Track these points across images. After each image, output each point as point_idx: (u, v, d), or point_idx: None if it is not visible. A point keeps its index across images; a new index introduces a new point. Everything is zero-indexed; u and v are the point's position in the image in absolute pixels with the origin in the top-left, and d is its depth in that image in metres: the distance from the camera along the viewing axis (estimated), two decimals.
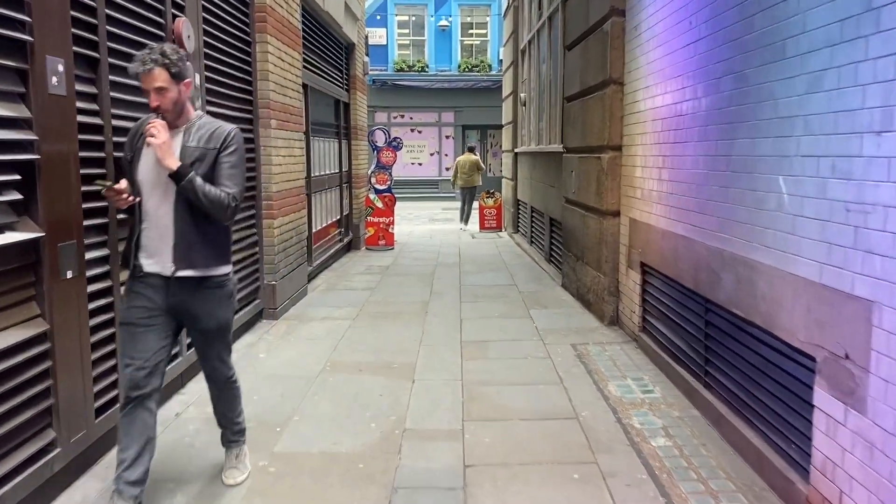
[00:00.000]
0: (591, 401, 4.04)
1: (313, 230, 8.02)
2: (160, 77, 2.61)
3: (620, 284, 5.57)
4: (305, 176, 7.64)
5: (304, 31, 7.60)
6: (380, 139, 12.01)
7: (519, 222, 12.24)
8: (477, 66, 21.92)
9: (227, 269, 2.89)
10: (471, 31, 22.54)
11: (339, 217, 9.88)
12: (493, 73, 21.75)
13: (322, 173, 8.65)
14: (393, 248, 10.93)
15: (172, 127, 2.73)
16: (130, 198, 2.69)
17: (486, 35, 22.40)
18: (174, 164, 2.61)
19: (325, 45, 8.86)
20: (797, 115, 2.77)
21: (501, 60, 22.00)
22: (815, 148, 2.65)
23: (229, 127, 2.82)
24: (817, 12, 2.64)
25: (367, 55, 11.57)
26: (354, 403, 4.03)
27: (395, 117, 22.22)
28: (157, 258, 2.73)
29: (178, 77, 2.67)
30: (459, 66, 21.95)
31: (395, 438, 3.55)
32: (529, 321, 5.94)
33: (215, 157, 2.74)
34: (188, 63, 2.75)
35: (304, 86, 7.66)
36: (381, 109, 21.91)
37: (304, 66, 7.61)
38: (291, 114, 6.46)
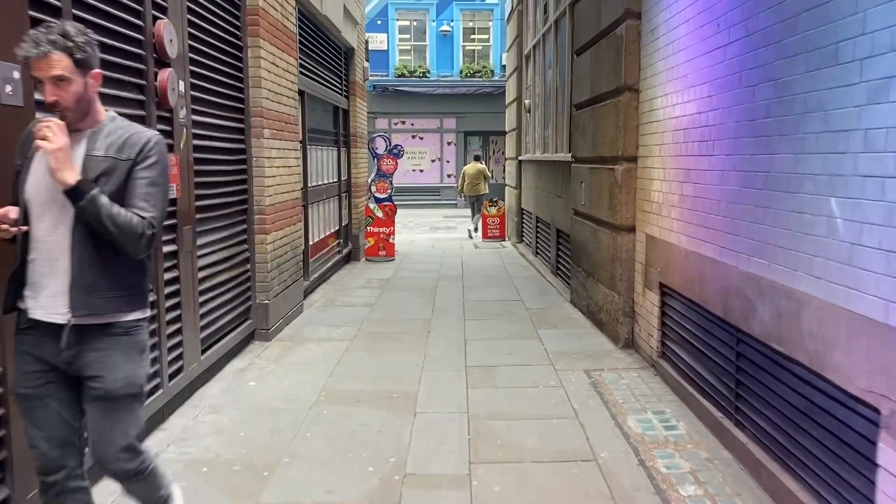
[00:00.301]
0: (609, 439, 3.69)
1: (310, 242, 7.68)
2: (60, 64, 2.04)
3: (636, 305, 5.22)
4: (302, 187, 7.31)
5: (300, 35, 7.28)
6: (380, 147, 11.68)
7: (523, 232, 11.90)
8: (479, 71, 21.62)
9: (140, 314, 2.28)
10: (473, 37, 22.24)
11: (337, 228, 9.54)
12: (496, 78, 21.44)
13: (320, 183, 8.31)
14: (394, 259, 10.59)
15: (74, 130, 2.13)
16: (14, 228, 2.11)
17: (488, 40, 22.11)
18: (72, 177, 2.03)
19: (323, 50, 8.54)
20: (855, 129, 2.42)
21: (504, 66, 21.72)
22: (878, 167, 2.30)
23: (149, 133, 2.23)
24: (881, 11, 2.30)
25: (367, 60, 11.26)
26: (351, 442, 3.68)
27: (396, 123, 21.92)
28: (48, 300, 2.14)
29: (83, 65, 2.10)
30: (461, 72, 21.65)
31: (395, 486, 3.19)
32: (538, 343, 5.59)
33: (128, 170, 2.15)
34: (96, 50, 2.18)
35: (301, 92, 7.33)
36: (381, 115, 21.61)
37: (301, 72, 7.28)
38: (286, 122, 6.12)
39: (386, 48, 21.33)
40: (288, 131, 6.18)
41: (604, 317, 5.76)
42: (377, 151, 11.70)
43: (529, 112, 11.20)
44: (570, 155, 7.54)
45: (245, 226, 5.42)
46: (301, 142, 7.33)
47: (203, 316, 4.50)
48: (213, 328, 4.70)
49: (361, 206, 10.76)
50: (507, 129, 13.46)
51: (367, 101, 21.00)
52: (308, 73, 7.65)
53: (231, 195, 5.09)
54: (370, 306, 7.07)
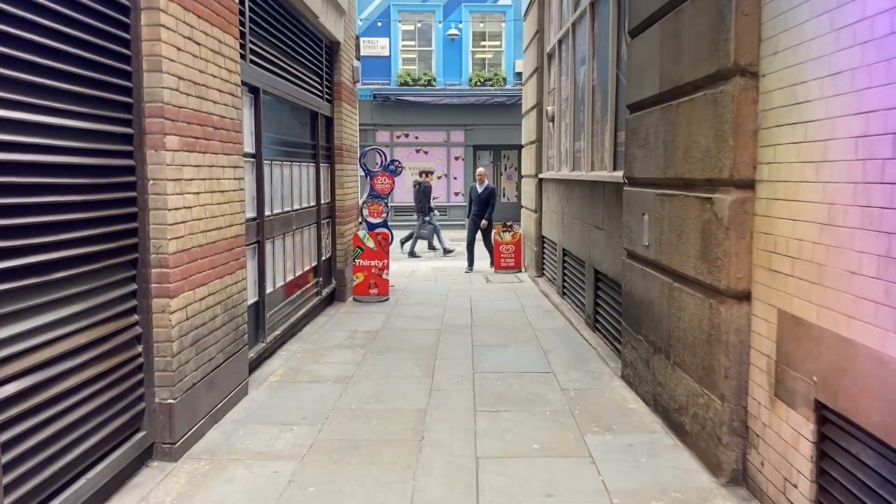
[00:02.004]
0: None
1: (267, 292, 5.73)
2: None
3: (754, 420, 3.23)
4: (252, 217, 5.37)
5: (252, 12, 5.38)
6: (373, 162, 9.79)
7: (544, 265, 9.92)
8: (490, 79, 19.74)
9: None
10: (483, 43, 20.40)
11: (315, 264, 7.60)
12: (509, 87, 19.57)
13: (286, 209, 6.38)
14: (387, 299, 8.63)
15: None
16: None
17: (499, 45, 20.25)
18: None
19: (294, 39, 6.64)
20: None
21: (518, 73, 19.87)
22: None
23: None
24: None
25: (357, 59, 9.37)
26: None
27: (398, 137, 20.04)
28: None
29: None
30: (470, 80, 19.78)
31: None
32: (590, 467, 3.60)
33: None
34: None
35: (254, 89, 5.42)
36: (382, 128, 19.74)
37: (252, 61, 5.37)
38: (217, 128, 4.20)
39: (387, 54, 19.51)
40: (220, 140, 4.25)
41: (688, 422, 3.77)
42: (369, 168, 9.81)
43: (553, 121, 9.27)
44: (618, 174, 5.58)
45: (132, 286, 3.48)
46: (252, 156, 5.40)
47: (23, 454, 2.57)
48: (49, 466, 2.75)
49: (349, 233, 8.82)
50: (523, 142, 11.54)
51: (368, 111, 19.19)
52: (267, 65, 5.75)
53: (92, 242, 3.16)
54: (344, 382, 5.11)
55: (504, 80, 19.73)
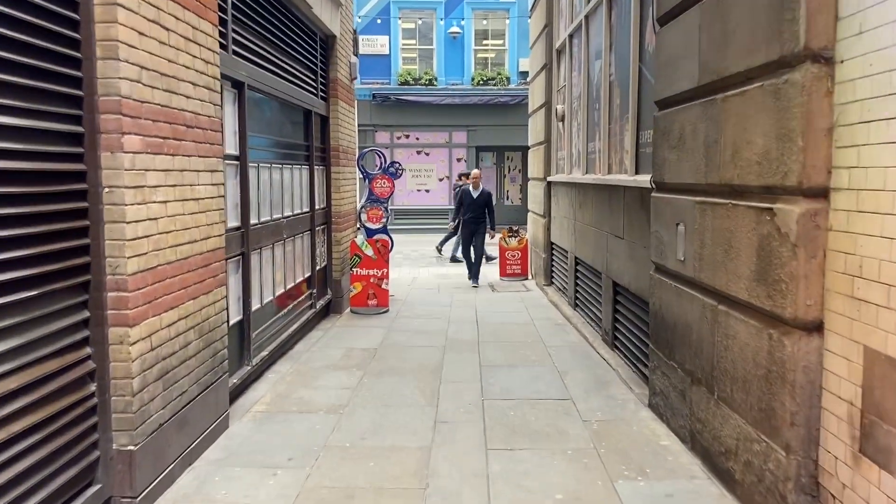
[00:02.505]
0: None
1: (252, 309, 5.17)
2: None
3: (830, 480, 2.68)
4: (236, 227, 4.82)
5: (242, 1, 4.85)
6: (372, 164, 9.26)
7: (553, 273, 9.37)
8: (493, 78, 19.20)
9: None
10: (486, 41, 19.86)
11: (308, 274, 7.05)
12: (512, 86, 19.04)
13: (274, 217, 5.83)
14: (387, 311, 8.08)
15: None
16: None
17: (503, 44, 19.71)
18: None
19: (286, 31, 6.10)
20: None
21: (523, 72, 19.35)
22: None
23: None
24: None
25: (355, 55, 8.83)
26: None
27: (398, 137, 19.49)
28: None
29: None
30: (473, 79, 19.24)
31: None
32: None
33: None
34: None
35: (238, 84, 4.88)
36: (382, 129, 19.20)
37: (235, 53, 4.82)
38: (189, 126, 3.65)
39: (387, 52, 18.98)
40: (194, 141, 3.71)
41: (738, 470, 3.21)
42: (368, 170, 9.27)
43: (563, 121, 8.72)
44: (642, 178, 5.04)
45: (83, 314, 2.94)
46: (235, 158, 4.85)
47: None
48: None
49: (346, 240, 8.27)
50: (530, 143, 10.99)
51: (368, 112, 18.64)
52: (253, 58, 5.20)
53: (32, 263, 2.62)
54: (338, 412, 4.55)
55: (508, 79, 19.19)
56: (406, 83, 18.95)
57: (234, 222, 4.79)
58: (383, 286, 8.12)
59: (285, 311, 6.14)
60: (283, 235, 6.02)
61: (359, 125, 19.07)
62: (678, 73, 3.99)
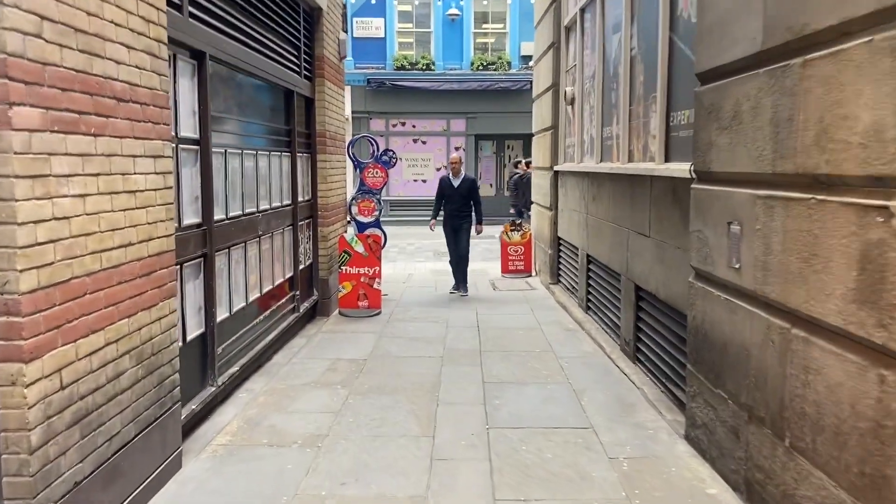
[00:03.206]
0: None
1: (219, 318, 4.42)
2: None
3: None
4: (195, 224, 4.06)
5: None
6: (364, 153, 8.50)
7: (561, 271, 8.62)
8: (493, 63, 18.38)
9: None
10: (485, 25, 19.02)
11: (291, 274, 6.30)
12: (513, 71, 18.23)
13: (247, 211, 5.07)
14: (379, 313, 7.34)
15: None
16: None
17: (503, 27, 18.87)
18: None
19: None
20: None
21: (524, 56, 18.52)
22: None
23: None
24: None
25: (343, 30, 8.04)
26: None
27: (394, 125, 18.68)
28: None
29: None
30: (472, 64, 18.41)
31: None
32: None
33: None
34: None
35: (199, 54, 4.10)
36: (377, 115, 18.38)
37: (199, 18, 4.04)
38: (121, 100, 2.89)
39: (382, 35, 18.12)
40: (128, 119, 2.94)
41: None
42: (360, 159, 8.51)
43: (572, 104, 7.95)
44: (675, 166, 4.28)
45: None
46: (195, 142, 4.08)
47: None
48: None
49: (335, 236, 7.51)
50: (534, 130, 10.21)
51: (362, 98, 17.78)
52: (219, 24, 4.42)
53: None
54: (316, 446, 3.81)
55: (508, 63, 18.38)
56: (402, 68, 18.12)
57: (192, 218, 4.03)
58: (375, 286, 7.37)
59: (261, 318, 5.39)
60: (258, 232, 5.26)
61: (353, 112, 18.32)
62: (731, 37, 3.23)
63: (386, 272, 10.38)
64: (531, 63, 17.56)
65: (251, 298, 5.14)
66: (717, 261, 3.40)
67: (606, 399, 4.56)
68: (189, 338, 3.98)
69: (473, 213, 8.42)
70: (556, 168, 8.61)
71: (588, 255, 6.94)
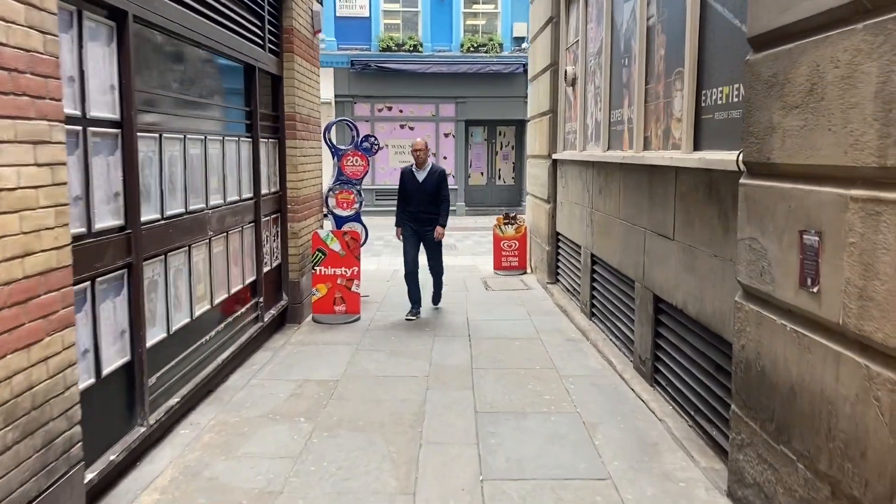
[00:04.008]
0: None
1: (150, 343, 3.59)
2: None
3: None
4: (116, 227, 3.22)
5: None
6: (343, 139, 7.67)
7: (560, 270, 7.84)
8: (484, 45, 17.49)
9: None
10: (476, 5, 18.10)
11: (253, 278, 5.47)
12: (506, 53, 17.35)
13: (192, 209, 4.22)
14: (358, 319, 6.53)
15: None
16: None
17: (495, 6, 17.95)
18: None
19: None
20: None
21: (517, 38, 17.65)
22: None
23: None
24: None
25: (319, 2, 7.17)
26: None
27: (380, 110, 17.77)
28: None
29: None
30: (462, 46, 17.51)
31: None
32: None
33: None
34: None
35: (118, 13, 3.24)
36: (361, 100, 17.46)
37: None
38: None
39: (367, 14, 17.16)
40: None
41: None
42: (337, 146, 7.68)
43: (573, 85, 7.14)
44: (711, 156, 3.49)
45: None
46: (114, 124, 3.24)
47: None
48: None
49: (307, 232, 6.68)
50: (530, 114, 9.39)
51: (346, 81, 16.76)
52: None
53: None
54: None
55: (500, 45, 17.49)
56: (388, 49, 17.19)
57: (109, 221, 3.20)
58: (353, 289, 6.56)
59: (213, 334, 4.56)
60: (207, 232, 4.43)
61: (335, 96, 17.39)
62: None
63: (368, 269, 9.58)
64: (524, 45, 16.71)
65: (198, 313, 4.31)
66: (779, 280, 2.61)
67: (624, 437, 3.79)
68: (106, 372, 3.16)
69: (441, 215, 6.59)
70: (554, 156, 7.81)
71: (593, 256, 6.15)
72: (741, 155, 2.96)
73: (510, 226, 9.25)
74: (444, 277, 7.01)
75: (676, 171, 4.02)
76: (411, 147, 6.67)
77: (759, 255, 2.79)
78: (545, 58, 8.11)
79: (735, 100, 3.40)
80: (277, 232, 6.14)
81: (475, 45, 17.41)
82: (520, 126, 17.88)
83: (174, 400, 3.84)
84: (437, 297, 7.02)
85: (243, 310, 5.20)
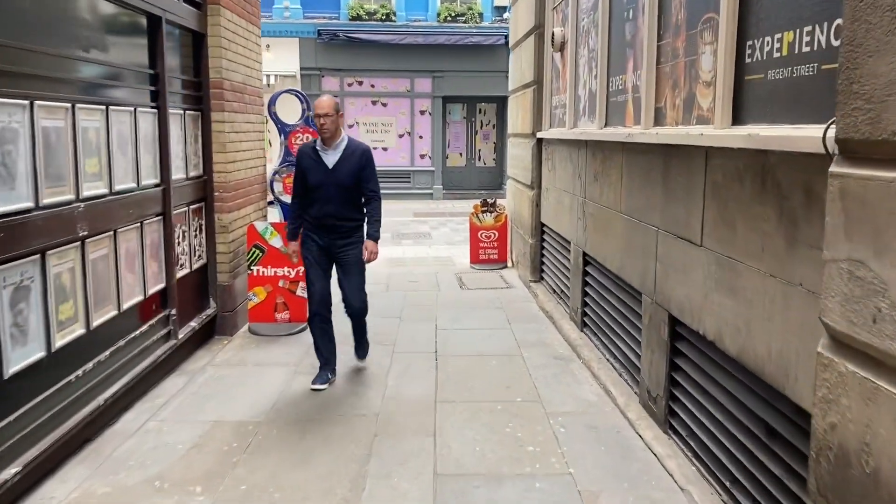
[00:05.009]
0: None
1: None
2: None
3: None
4: None
5: None
6: (289, 112, 6.54)
7: (544, 265, 6.81)
8: (462, 14, 16.26)
9: None
10: None
11: (161, 286, 4.35)
12: (486, 24, 16.15)
13: (45, 203, 3.08)
14: (304, 329, 5.45)
15: None
16: None
17: None
18: None
19: None
20: None
21: (498, 7, 16.43)
22: None
23: None
24: None
25: None
26: None
27: (349, 84, 16.51)
28: None
29: None
30: (439, 15, 16.27)
31: None
32: None
33: None
34: None
35: None
36: (329, 73, 16.18)
37: None
38: None
39: None
40: None
41: None
42: (285, 121, 6.54)
43: (562, 50, 6.04)
44: (772, 131, 2.43)
45: None
46: None
47: None
48: None
49: (241, 225, 5.56)
50: (511, 87, 8.28)
51: (312, 52, 15.33)
52: None
53: None
54: None
55: (480, 15, 16.27)
56: (358, 18, 15.89)
57: None
58: (299, 292, 5.45)
59: (91, 366, 3.45)
60: (78, 232, 3.30)
61: (301, 68, 16.10)
62: None
63: None
64: (506, 15, 15.53)
65: (63, 341, 3.20)
66: None
67: None
68: None
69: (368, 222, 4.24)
70: (539, 135, 6.73)
71: (585, 255, 5.11)
72: (831, 130, 1.91)
73: (489, 214, 8.18)
74: (367, 308, 4.42)
75: (707, 152, 2.96)
76: (315, 109, 4.20)
77: (869, 290, 1.74)
78: (528, 20, 6.99)
79: (805, 49, 2.34)
80: (201, 225, 5.02)
81: (453, 15, 16.18)
82: (501, 103, 16.75)
83: (11, 471, 2.74)
84: (361, 350, 4.59)
85: (145, 328, 4.08)
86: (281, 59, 15.25)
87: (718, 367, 2.93)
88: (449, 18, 16.15)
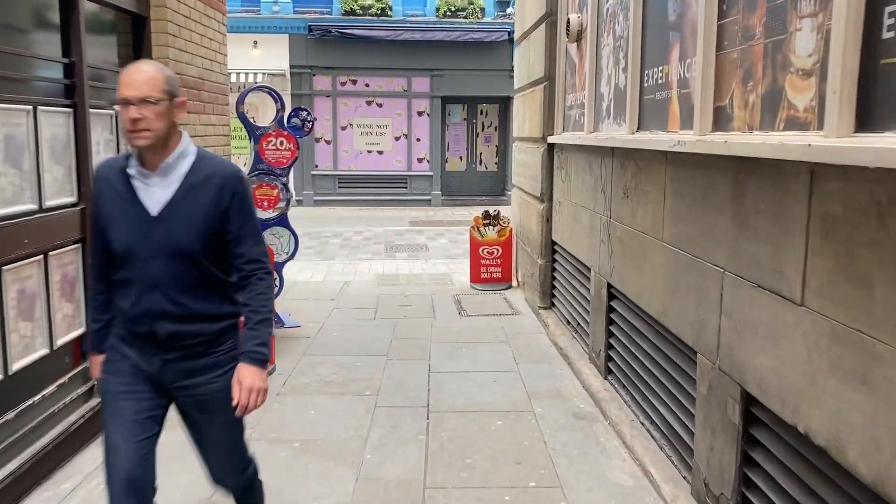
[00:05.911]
0: None
1: None
2: None
3: None
4: None
5: None
6: (262, 112, 5.66)
7: (556, 289, 5.90)
8: (463, 9, 15.37)
9: None
10: None
11: (80, 331, 3.43)
12: (488, 19, 15.27)
13: None
14: (273, 371, 4.56)
15: None
16: None
17: None
18: None
19: None
20: None
21: (500, 2, 15.58)
22: None
23: None
24: None
25: None
26: None
27: (343, 83, 15.60)
28: None
29: None
30: (438, 10, 15.38)
31: None
32: None
33: None
34: None
35: None
36: (321, 71, 15.27)
37: None
38: None
39: None
40: None
41: None
42: (255, 123, 5.68)
43: (579, 40, 5.15)
44: None
45: None
46: None
47: None
48: None
49: None
50: (518, 86, 7.37)
51: (303, 49, 14.41)
52: None
53: None
54: None
55: (481, 10, 15.39)
56: (352, 13, 14.99)
57: None
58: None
59: None
60: None
61: (291, 66, 15.19)
62: None
63: (314, 280, 7.64)
64: (509, 10, 14.66)
65: None
66: None
67: None
68: None
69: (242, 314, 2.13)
70: (550, 139, 5.83)
71: (611, 287, 4.19)
72: None
73: (491, 227, 7.28)
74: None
75: (813, 171, 2.05)
76: (118, 90, 1.90)
77: None
78: (538, 6, 6.08)
79: None
80: None
81: (453, 10, 15.28)
82: (504, 104, 15.87)
83: None
84: None
85: (52, 388, 3.18)
86: (269, 57, 14.38)
87: (833, 487, 2.01)
88: (448, 13, 15.26)
